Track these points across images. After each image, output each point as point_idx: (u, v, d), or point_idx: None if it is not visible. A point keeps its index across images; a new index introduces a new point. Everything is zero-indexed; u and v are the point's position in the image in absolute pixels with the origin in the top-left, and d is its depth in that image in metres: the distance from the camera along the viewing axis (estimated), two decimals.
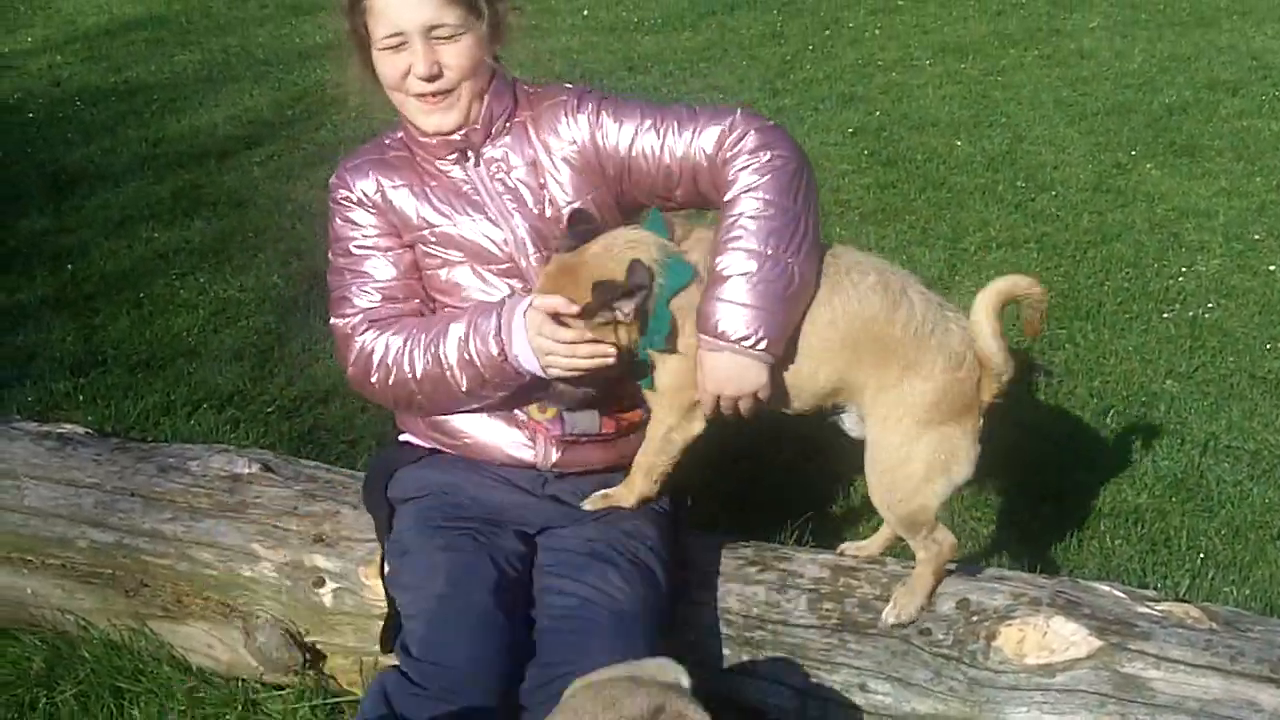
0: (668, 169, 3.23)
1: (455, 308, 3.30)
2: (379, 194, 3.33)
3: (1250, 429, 5.37)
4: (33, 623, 4.06)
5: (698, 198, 3.27)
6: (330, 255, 3.43)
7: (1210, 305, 6.56)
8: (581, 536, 3.26)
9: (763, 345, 3.00)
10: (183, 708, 3.71)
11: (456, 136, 3.27)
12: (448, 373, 3.20)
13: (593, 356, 3.02)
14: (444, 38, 3.16)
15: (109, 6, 14.79)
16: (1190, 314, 6.46)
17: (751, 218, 3.06)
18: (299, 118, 10.54)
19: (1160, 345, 6.13)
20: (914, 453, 3.14)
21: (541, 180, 3.30)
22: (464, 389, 3.21)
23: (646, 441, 3.24)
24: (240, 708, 3.71)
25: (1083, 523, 4.69)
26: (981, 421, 3.23)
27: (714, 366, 3.03)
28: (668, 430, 3.19)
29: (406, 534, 3.32)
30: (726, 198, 3.13)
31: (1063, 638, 3.11)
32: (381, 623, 3.40)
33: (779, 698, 3.32)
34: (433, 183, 3.33)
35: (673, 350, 3.08)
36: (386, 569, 3.37)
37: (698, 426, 3.19)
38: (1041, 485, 4.90)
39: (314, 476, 3.93)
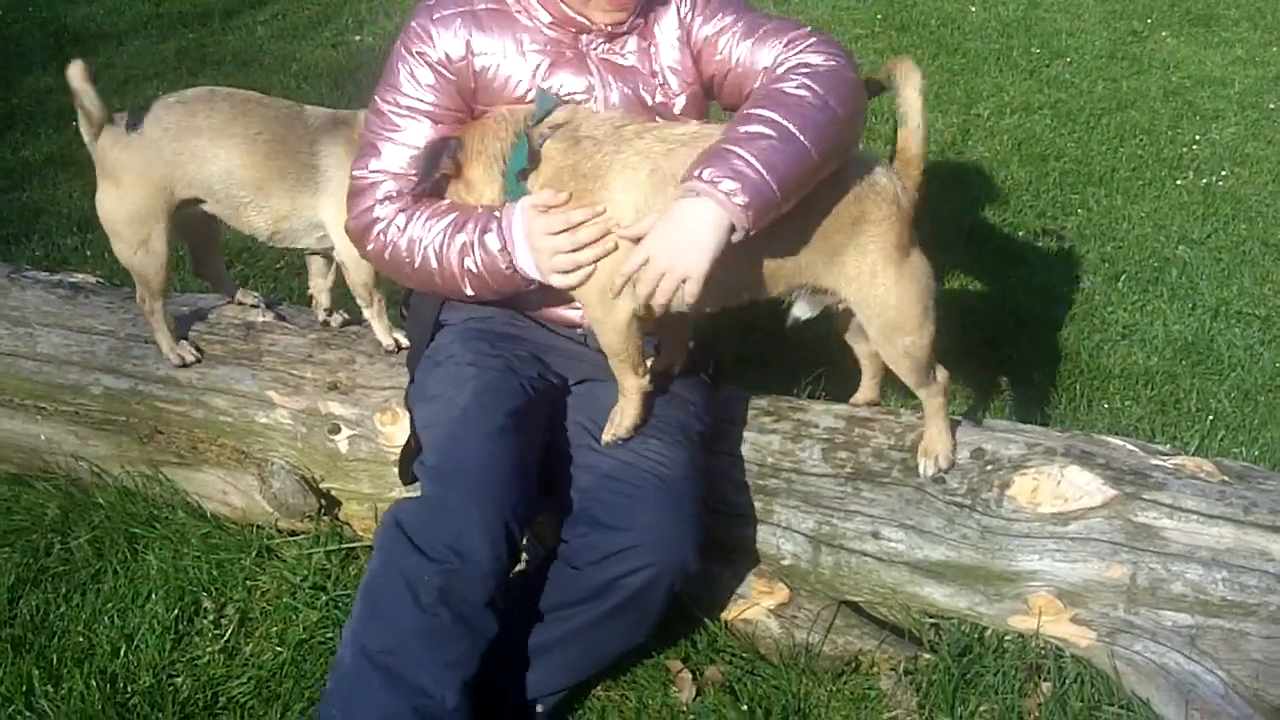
0: (727, 70, 3.14)
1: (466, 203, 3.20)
2: (464, 58, 3.14)
3: (1262, 295, 5.37)
4: (46, 469, 4.08)
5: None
6: (377, 94, 3.24)
7: (1224, 173, 6.52)
8: None
9: (740, 203, 2.71)
10: (197, 553, 3.73)
11: (604, 26, 3.15)
12: (448, 273, 3.10)
13: (595, 244, 2.92)
14: None
15: None
16: (1204, 181, 6.43)
17: (790, 93, 2.88)
18: None
19: (1173, 211, 6.11)
20: (905, 294, 3.06)
21: (655, 69, 3.20)
22: (468, 292, 3.13)
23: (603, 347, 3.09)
24: (255, 553, 3.74)
25: (1093, 384, 4.70)
26: None
27: (673, 218, 2.77)
28: (599, 324, 3.03)
29: (444, 348, 3.28)
30: (776, 72, 2.98)
31: (1077, 487, 3.12)
32: (396, 468, 3.42)
33: (793, 544, 3.35)
34: (532, 47, 3.15)
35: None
36: (414, 384, 3.33)
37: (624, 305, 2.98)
38: (1053, 347, 4.91)
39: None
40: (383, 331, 3.76)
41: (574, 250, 2.93)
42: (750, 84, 3.08)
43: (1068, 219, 6.02)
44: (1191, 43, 8.45)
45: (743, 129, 2.80)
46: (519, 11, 3.16)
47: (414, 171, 3.14)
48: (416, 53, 3.16)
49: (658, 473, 3.04)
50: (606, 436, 3.15)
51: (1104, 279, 5.47)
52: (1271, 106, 7.37)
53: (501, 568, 2.92)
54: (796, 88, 2.88)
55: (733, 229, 2.74)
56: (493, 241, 3.01)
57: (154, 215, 3.63)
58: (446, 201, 3.17)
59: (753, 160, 2.73)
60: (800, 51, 3.00)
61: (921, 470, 3.25)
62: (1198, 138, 6.98)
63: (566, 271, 2.95)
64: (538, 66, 3.15)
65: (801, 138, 2.78)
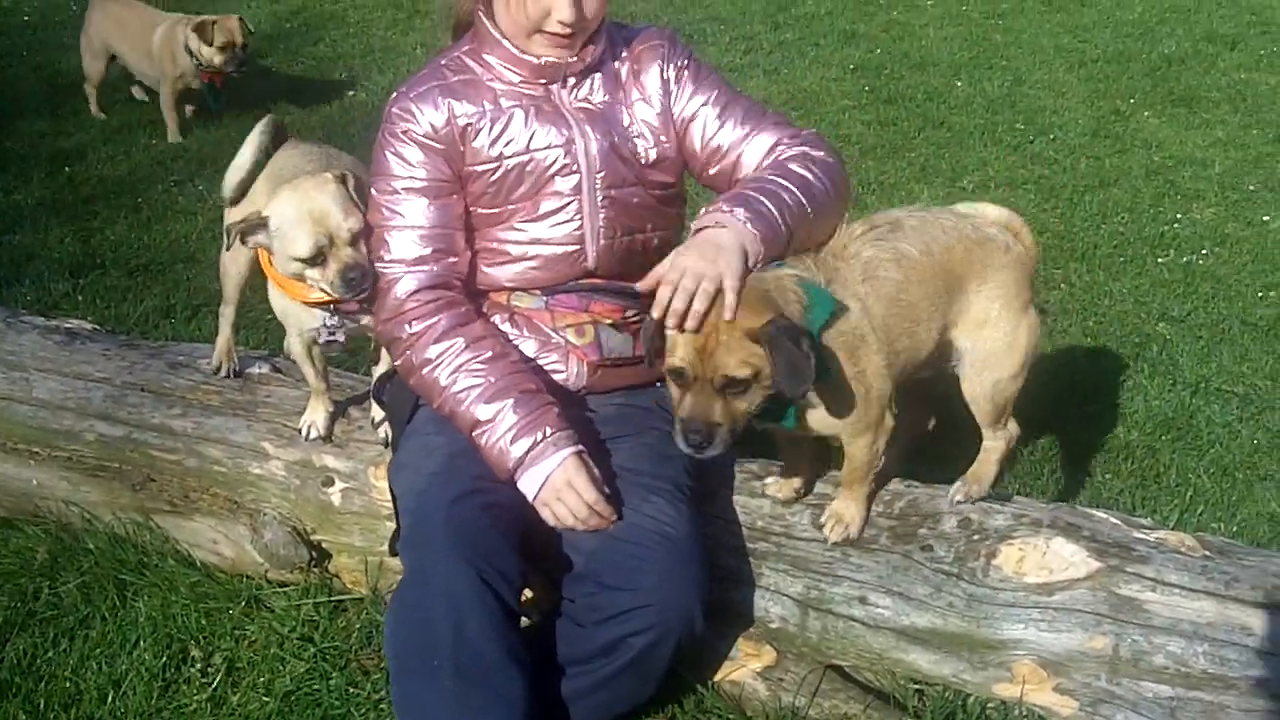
0: (715, 150, 3.32)
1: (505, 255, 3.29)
2: (448, 126, 3.21)
3: (1240, 373, 5.43)
4: (37, 514, 4.10)
5: (726, 185, 3.31)
6: (372, 188, 3.29)
7: (1204, 252, 6.61)
8: (614, 463, 3.26)
9: (750, 224, 2.96)
10: (186, 602, 3.75)
11: (561, 63, 3.23)
12: (453, 416, 3.14)
13: (596, 522, 3.08)
14: None
15: None
16: (1184, 260, 6.52)
17: (795, 170, 3.16)
18: (297, 31, 10.51)
19: (1154, 289, 6.19)
20: (1015, 342, 3.33)
21: (629, 119, 3.30)
22: (460, 430, 3.16)
23: (853, 467, 3.23)
24: (244, 603, 3.76)
25: (1074, 457, 4.75)
26: None
27: (695, 243, 2.94)
28: (870, 448, 3.18)
29: (419, 425, 3.32)
30: (780, 156, 3.24)
31: (1062, 558, 3.16)
32: (389, 522, 3.44)
33: (781, 607, 3.38)
34: (508, 103, 3.23)
35: (837, 382, 3.05)
36: (393, 458, 3.38)
37: (890, 421, 3.17)
38: (1034, 420, 4.93)
39: None
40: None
41: (576, 510, 3.06)
42: (738, 167, 3.30)
43: (1050, 294, 6.09)
44: (1173, 123, 8.58)
45: (753, 183, 3.11)
46: (491, 80, 3.26)
47: (428, 250, 3.21)
48: (402, 133, 3.23)
49: (663, 532, 3.07)
50: (834, 538, 3.30)
51: (1085, 353, 5.54)
52: (1251, 188, 7.48)
53: (501, 618, 2.93)
54: (800, 168, 3.16)
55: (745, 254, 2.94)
56: (518, 449, 3.06)
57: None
58: (477, 336, 3.19)
59: (766, 203, 3.02)
60: (801, 143, 3.26)
61: (951, 494, 3.36)
62: (1179, 216, 7.07)
63: (555, 515, 3.08)
64: (519, 118, 3.22)
65: (804, 201, 3.07)
